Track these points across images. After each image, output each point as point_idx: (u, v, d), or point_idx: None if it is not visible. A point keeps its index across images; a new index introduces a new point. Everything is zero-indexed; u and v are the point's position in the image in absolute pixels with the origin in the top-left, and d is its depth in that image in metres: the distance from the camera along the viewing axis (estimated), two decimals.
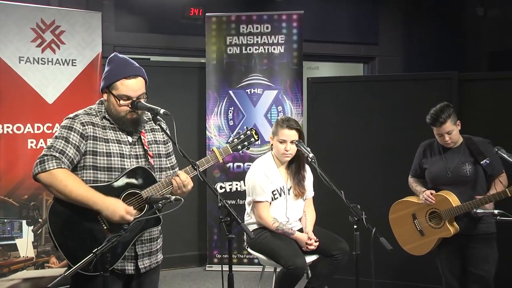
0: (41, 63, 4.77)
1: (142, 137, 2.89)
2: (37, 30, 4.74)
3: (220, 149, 3.07)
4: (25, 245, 4.71)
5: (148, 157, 2.87)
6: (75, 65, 4.88)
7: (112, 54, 2.93)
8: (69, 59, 4.88)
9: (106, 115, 2.83)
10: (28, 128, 4.71)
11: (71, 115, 2.80)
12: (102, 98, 2.89)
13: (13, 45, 4.64)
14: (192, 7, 6.29)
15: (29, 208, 4.72)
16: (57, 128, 2.81)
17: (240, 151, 3.23)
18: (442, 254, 4.00)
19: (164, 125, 2.95)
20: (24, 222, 4.71)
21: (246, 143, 3.18)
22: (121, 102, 2.76)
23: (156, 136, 2.97)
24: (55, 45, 4.82)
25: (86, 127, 2.75)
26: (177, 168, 3.04)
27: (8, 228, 4.68)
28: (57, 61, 4.84)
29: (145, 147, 2.88)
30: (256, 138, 3.19)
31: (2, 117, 4.61)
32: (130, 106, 2.79)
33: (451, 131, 3.82)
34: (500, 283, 3.97)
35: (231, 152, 3.15)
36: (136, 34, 6.24)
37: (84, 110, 2.84)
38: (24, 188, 4.67)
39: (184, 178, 2.84)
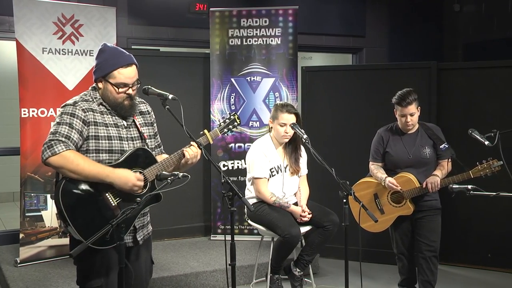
0: (62, 54, 4.72)
1: (135, 120, 2.84)
2: (58, 24, 4.69)
3: (210, 132, 3.03)
4: (49, 216, 4.70)
5: (142, 138, 2.83)
6: (92, 55, 4.82)
7: (102, 45, 2.80)
8: (87, 50, 4.83)
9: (103, 101, 2.74)
10: (51, 112, 4.67)
11: (70, 102, 2.69)
12: (94, 85, 2.78)
13: (37, 37, 4.59)
14: (198, 3, 6.27)
15: (52, 183, 4.68)
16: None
17: (226, 134, 3.21)
18: (397, 229, 3.99)
19: (149, 108, 2.94)
20: (48, 196, 4.70)
21: (230, 126, 3.16)
22: (120, 90, 2.69)
23: (145, 119, 2.91)
24: (75, 37, 4.77)
25: (87, 113, 2.66)
26: (162, 147, 3.02)
27: (35, 201, 4.68)
28: (76, 52, 4.78)
29: (140, 130, 2.83)
30: (239, 122, 3.19)
31: (28, 102, 4.58)
32: (130, 93, 2.72)
33: (414, 113, 3.81)
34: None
35: (219, 135, 3.13)
36: (147, 27, 6.19)
37: (81, 97, 2.73)
38: (48, 166, 4.65)
39: (196, 150, 2.83)
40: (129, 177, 2.62)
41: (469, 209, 5.00)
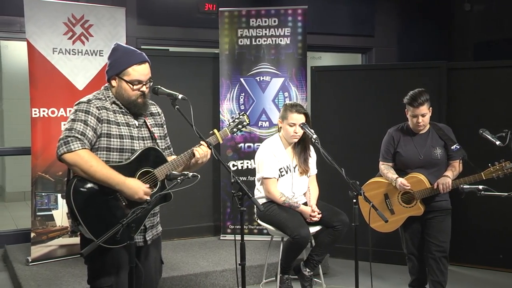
0: (72, 54, 4.74)
1: (146, 121, 2.85)
2: (68, 24, 4.71)
3: (220, 132, 3.02)
4: (60, 215, 4.72)
5: (153, 138, 2.84)
6: (102, 56, 4.84)
7: (115, 44, 2.83)
8: (97, 50, 4.84)
9: (116, 100, 2.76)
10: (61, 112, 4.70)
11: (84, 99, 2.70)
12: (107, 84, 2.80)
13: (47, 38, 4.62)
14: (207, 3, 6.27)
15: (63, 183, 4.71)
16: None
17: (236, 133, 3.19)
18: (407, 229, 3.96)
19: (159, 109, 2.95)
20: (59, 195, 4.72)
21: (240, 126, 3.16)
22: (134, 87, 2.72)
23: (156, 120, 2.92)
24: (84, 38, 4.78)
25: (101, 111, 2.68)
26: (172, 149, 3.02)
27: (46, 201, 4.70)
28: (86, 52, 4.80)
29: (151, 130, 2.84)
30: (248, 122, 3.18)
31: (38, 102, 4.60)
32: (144, 91, 2.74)
33: (425, 114, 3.78)
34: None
35: (229, 134, 3.13)
36: (156, 27, 6.20)
37: (94, 95, 2.75)
38: (58, 166, 4.66)
39: (206, 149, 2.84)
40: (138, 191, 2.62)
41: (480, 209, 4.96)
